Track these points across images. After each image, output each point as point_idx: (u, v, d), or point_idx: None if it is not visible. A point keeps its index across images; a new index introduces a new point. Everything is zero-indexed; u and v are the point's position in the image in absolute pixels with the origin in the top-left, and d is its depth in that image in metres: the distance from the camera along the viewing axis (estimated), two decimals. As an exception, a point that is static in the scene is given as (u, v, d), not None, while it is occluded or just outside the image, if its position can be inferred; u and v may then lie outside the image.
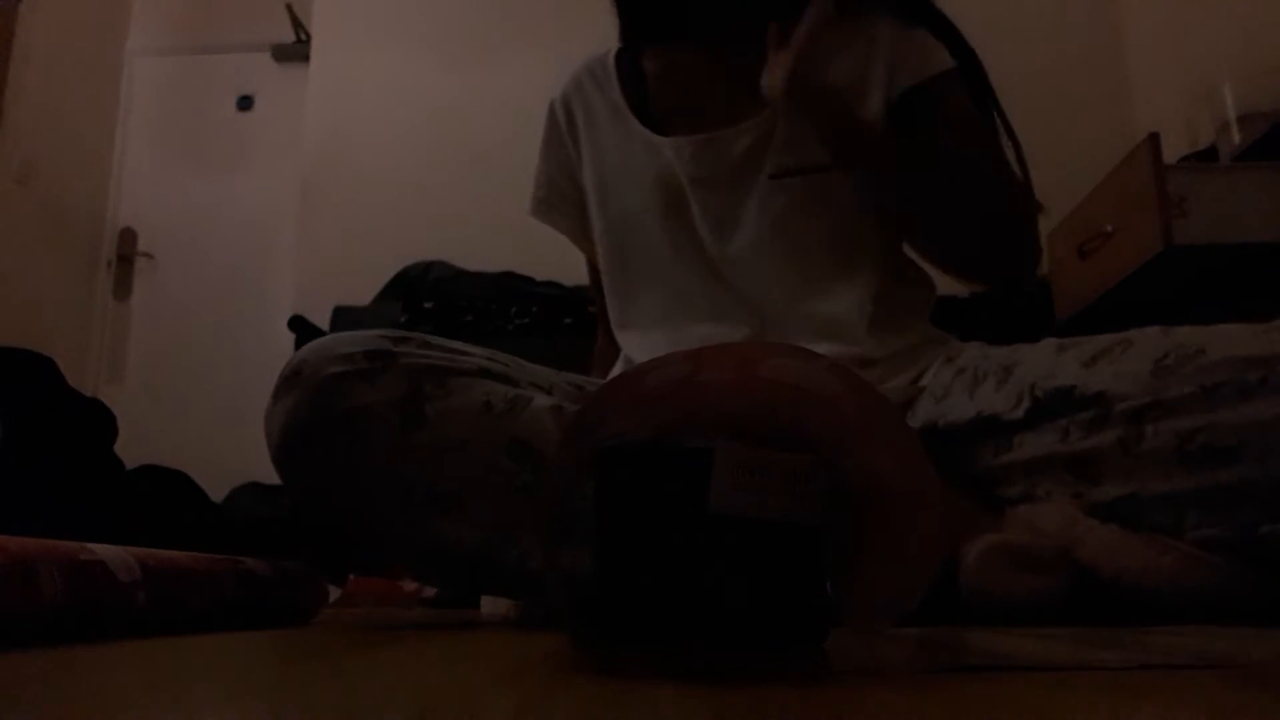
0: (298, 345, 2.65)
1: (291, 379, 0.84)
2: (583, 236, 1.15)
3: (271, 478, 0.93)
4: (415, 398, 0.82)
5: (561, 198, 1.16)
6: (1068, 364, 0.84)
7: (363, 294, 2.88)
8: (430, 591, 1.48)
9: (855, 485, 0.40)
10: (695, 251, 1.03)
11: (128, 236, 3.85)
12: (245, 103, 3.95)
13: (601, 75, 1.13)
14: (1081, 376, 0.82)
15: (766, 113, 0.99)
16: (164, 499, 1.09)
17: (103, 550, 0.67)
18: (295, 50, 3.84)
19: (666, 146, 1.03)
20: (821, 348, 0.97)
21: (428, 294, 2.73)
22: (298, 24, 3.84)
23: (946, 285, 1.07)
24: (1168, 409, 0.75)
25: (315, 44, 3.49)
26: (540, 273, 2.84)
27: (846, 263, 1.00)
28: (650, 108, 1.08)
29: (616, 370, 1.10)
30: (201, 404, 3.56)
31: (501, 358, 0.94)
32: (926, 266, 1.05)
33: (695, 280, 1.04)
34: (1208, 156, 1.95)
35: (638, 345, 1.06)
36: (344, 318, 2.73)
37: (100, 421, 1.08)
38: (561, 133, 1.15)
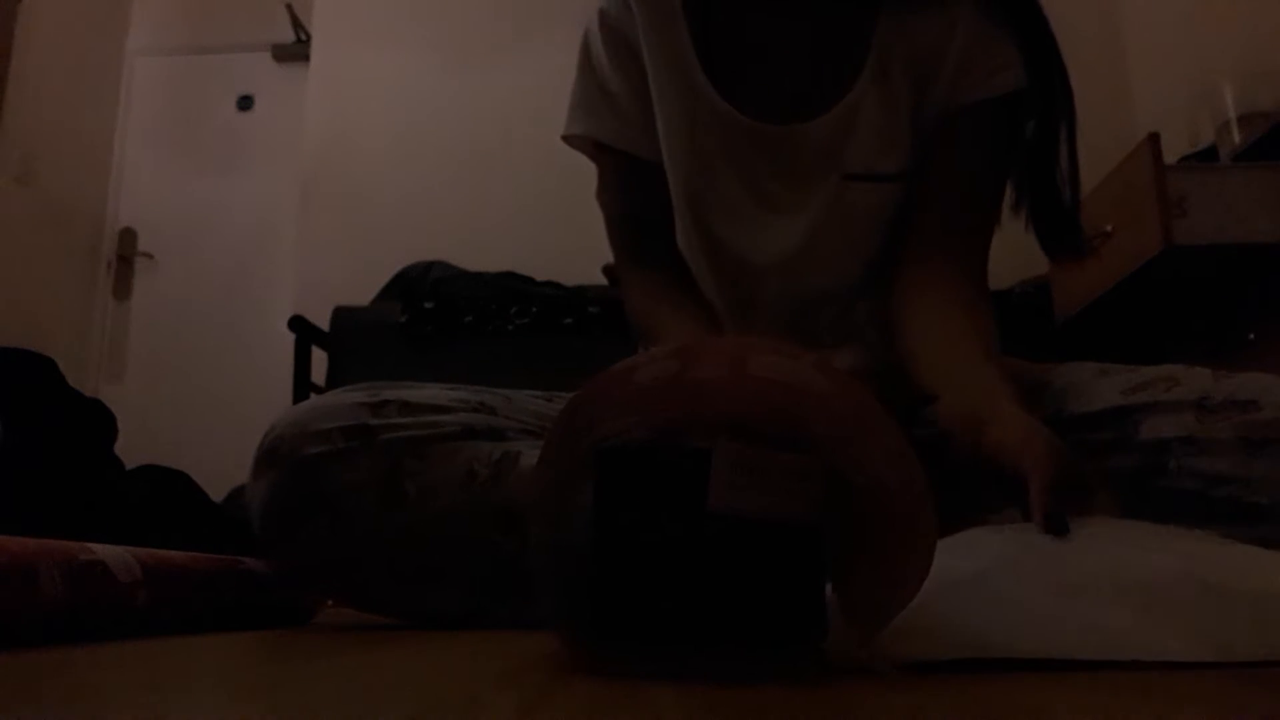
0: (298, 346, 2.66)
1: (270, 455, 0.82)
2: (642, 147, 0.97)
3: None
4: (395, 476, 0.81)
5: (617, 107, 0.96)
6: (1106, 390, 0.81)
7: (363, 294, 2.88)
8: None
9: (852, 484, 0.40)
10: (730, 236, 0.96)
11: (128, 236, 3.85)
12: (245, 103, 3.95)
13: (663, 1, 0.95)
14: (1117, 402, 0.80)
15: (846, 104, 0.91)
16: (164, 499, 1.09)
17: (103, 550, 0.67)
18: (295, 50, 3.84)
19: (736, 123, 0.92)
20: (845, 352, 0.96)
21: (428, 294, 2.73)
22: (298, 24, 3.84)
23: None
24: (1200, 449, 0.73)
25: (315, 44, 3.49)
26: (540, 273, 2.84)
27: (882, 269, 0.96)
28: (712, 54, 0.93)
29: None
30: (201, 404, 3.56)
31: (491, 399, 0.90)
32: None
33: (724, 267, 0.96)
34: (1208, 156, 1.95)
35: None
36: (344, 318, 2.72)
37: (100, 421, 1.08)
38: (622, 50, 0.96)
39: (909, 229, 0.93)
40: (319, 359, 2.69)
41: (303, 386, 2.63)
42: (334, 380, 2.63)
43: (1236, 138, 1.87)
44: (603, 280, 2.86)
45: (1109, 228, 1.92)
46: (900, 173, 0.92)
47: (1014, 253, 1.00)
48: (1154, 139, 1.79)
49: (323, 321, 2.72)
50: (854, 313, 0.97)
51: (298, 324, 2.67)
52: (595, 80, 0.97)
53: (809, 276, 0.95)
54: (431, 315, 2.67)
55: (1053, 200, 0.89)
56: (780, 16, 0.93)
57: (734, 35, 0.94)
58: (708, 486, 0.38)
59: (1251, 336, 1.79)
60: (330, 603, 1.08)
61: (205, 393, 3.59)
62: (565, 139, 1.00)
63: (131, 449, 1.15)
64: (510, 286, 2.76)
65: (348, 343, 2.68)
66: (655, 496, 0.40)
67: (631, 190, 0.99)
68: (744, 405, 0.40)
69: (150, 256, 3.84)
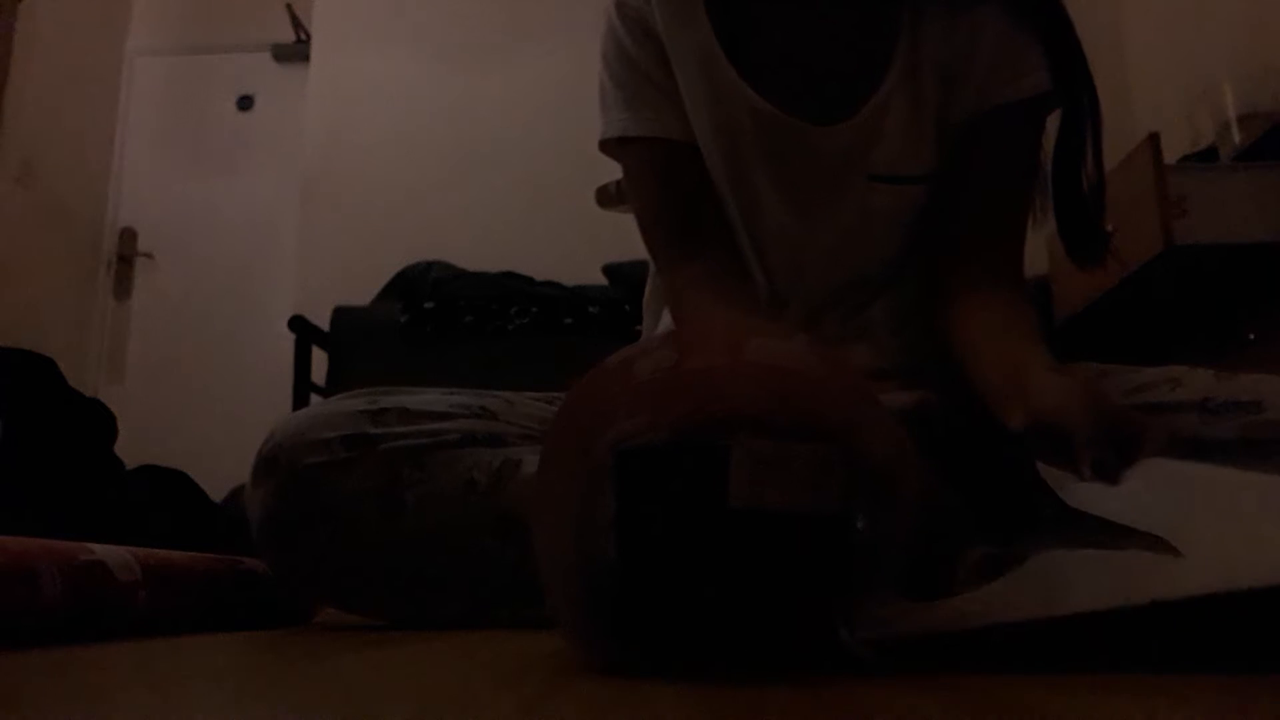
0: (298, 346, 2.66)
1: (269, 464, 0.82)
2: (686, 132, 0.94)
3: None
4: (394, 486, 0.81)
5: (654, 96, 0.93)
6: (1108, 392, 0.80)
7: (363, 294, 2.88)
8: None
9: (860, 466, 0.40)
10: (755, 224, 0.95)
11: (128, 236, 3.85)
12: (245, 103, 3.95)
13: None
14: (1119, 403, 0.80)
15: (874, 105, 0.90)
16: (164, 499, 1.09)
17: (103, 550, 0.67)
18: (295, 50, 3.84)
19: (769, 118, 0.91)
20: (855, 351, 0.96)
21: (428, 294, 2.73)
22: (298, 24, 3.84)
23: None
24: (1201, 450, 0.73)
25: (315, 44, 3.49)
26: (540, 273, 2.84)
27: (899, 270, 0.96)
28: (736, 51, 0.92)
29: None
30: (201, 404, 3.56)
31: (492, 403, 0.90)
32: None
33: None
34: (1208, 156, 1.95)
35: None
36: (344, 318, 2.72)
37: (100, 421, 1.08)
38: (647, 38, 0.93)
39: (945, 233, 0.93)
40: (319, 359, 2.69)
41: (303, 386, 2.63)
42: (334, 380, 2.63)
43: (1236, 138, 1.87)
44: (603, 280, 2.86)
45: (1109, 228, 1.92)
46: (924, 175, 0.91)
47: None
48: (1154, 139, 1.79)
49: (323, 321, 2.72)
50: (867, 312, 0.97)
51: (298, 324, 2.67)
52: (625, 75, 0.94)
53: (827, 275, 0.95)
54: (432, 315, 2.67)
55: (1078, 205, 0.90)
56: (802, 12, 0.92)
57: (756, 33, 0.93)
58: (728, 484, 0.38)
59: (1252, 336, 1.79)
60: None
61: (205, 393, 3.59)
62: (604, 143, 0.97)
63: (131, 449, 1.15)
64: (510, 286, 2.76)
65: (348, 343, 2.68)
66: (677, 497, 0.39)
67: (679, 176, 0.95)
68: (755, 396, 0.40)
69: (150, 256, 3.83)
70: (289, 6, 3.81)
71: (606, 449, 0.40)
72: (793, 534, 0.38)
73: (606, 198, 1.09)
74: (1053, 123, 0.92)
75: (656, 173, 0.96)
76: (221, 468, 1.75)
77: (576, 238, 2.94)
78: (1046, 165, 0.93)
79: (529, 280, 2.83)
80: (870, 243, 0.94)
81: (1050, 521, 0.55)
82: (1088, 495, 0.55)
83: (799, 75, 0.92)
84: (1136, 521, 0.49)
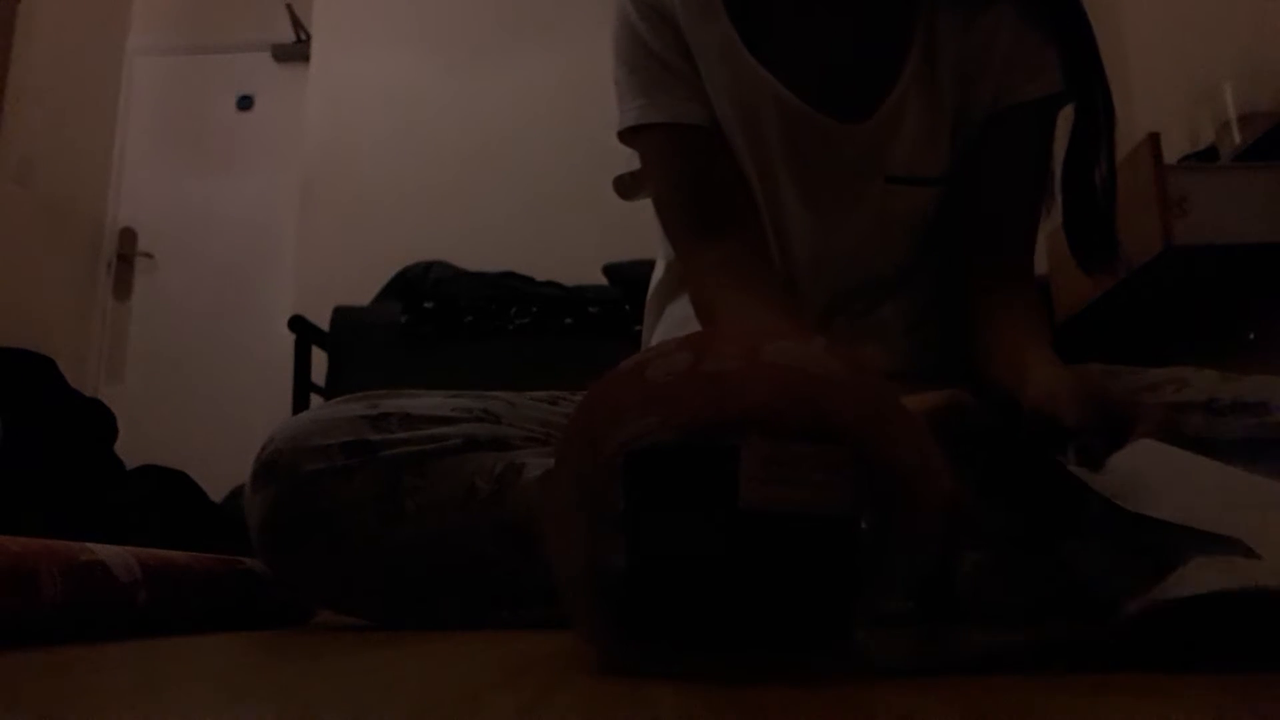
0: (298, 345, 2.66)
1: (268, 469, 0.82)
2: (707, 117, 0.92)
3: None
4: (395, 493, 0.81)
5: (673, 82, 0.91)
6: (1103, 384, 0.82)
7: (363, 294, 2.88)
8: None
9: (876, 469, 0.39)
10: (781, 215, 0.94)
11: (128, 236, 3.85)
12: (245, 103, 3.95)
13: None
14: None
15: (891, 105, 0.89)
16: (164, 499, 1.09)
17: (103, 550, 0.67)
18: (295, 50, 3.84)
19: (797, 111, 0.90)
20: (867, 349, 0.96)
21: (428, 294, 2.73)
22: (298, 24, 3.84)
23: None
24: (1208, 451, 0.74)
25: (315, 44, 3.49)
26: (540, 273, 2.84)
27: (912, 272, 0.96)
28: (755, 48, 0.90)
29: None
30: (201, 404, 3.56)
31: (494, 405, 0.89)
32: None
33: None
34: (1208, 156, 1.95)
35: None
36: (344, 318, 2.72)
37: (100, 421, 1.08)
38: (663, 24, 0.91)
39: (956, 233, 0.93)
40: (319, 359, 2.69)
41: (303, 386, 2.63)
42: (334, 380, 2.63)
43: (1236, 138, 1.87)
44: (603, 280, 2.86)
45: (1108, 229, 1.92)
46: (940, 176, 0.91)
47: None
48: (1154, 139, 1.79)
49: (323, 321, 2.72)
50: (880, 312, 0.96)
51: (298, 324, 2.67)
52: (639, 61, 0.92)
53: (842, 274, 0.95)
54: (431, 315, 2.67)
55: (1088, 208, 0.90)
56: (815, 9, 0.91)
57: (770, 29, 0.92)
58: (737, 484, 0.37)
59: (1252, 336, 1.79)
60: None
61: (205, 393, 3.59)
62: (622, 134, 0.95)
63: (131, 449, 1.15)
64: (510, 286, 2.76)
65: (348, 343, 2.68)
66: (686, 498, 0.39)
67: (697, 161, 0.93)
68: (770, 396, 0.39)
69: (150, 256, 3.84)
70: (289, 6, 3.81)
71: (616, 449, 0.40)
72: (802, 535, 0.38)
73: (625, 187, 1.07)
74: (1063, 125, 0.92)
75: (674, 158, 0.94)
76: (221, 468, 1.75)
77: (576, 238, 2.94)
78: (1055, 167, 0.93)
79: (529, 280, 2.83)
80: (885, 244, 0.94)
81: (1097, 520, 0.54)
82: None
83: (814, 73, 0.91)
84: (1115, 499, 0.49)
